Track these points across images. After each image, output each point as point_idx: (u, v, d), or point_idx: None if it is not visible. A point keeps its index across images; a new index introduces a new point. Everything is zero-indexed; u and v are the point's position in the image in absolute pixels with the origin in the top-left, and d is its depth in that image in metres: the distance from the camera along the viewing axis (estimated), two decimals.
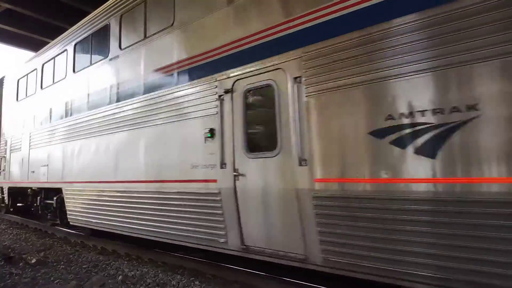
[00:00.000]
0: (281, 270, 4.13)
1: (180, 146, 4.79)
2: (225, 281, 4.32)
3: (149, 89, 5.37)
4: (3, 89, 11.01)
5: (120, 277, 4.59)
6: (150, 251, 5.69)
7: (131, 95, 5.68)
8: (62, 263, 5.49)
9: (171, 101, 4.94)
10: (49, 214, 8.28)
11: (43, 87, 8.60)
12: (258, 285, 4.10)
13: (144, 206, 5.28)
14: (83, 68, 7.06)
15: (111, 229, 6.01)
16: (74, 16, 12.23)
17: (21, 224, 9.82)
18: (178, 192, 4.74)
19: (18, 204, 10.07)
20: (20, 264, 5.36)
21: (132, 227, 5.50)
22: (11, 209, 10.32)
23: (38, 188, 8.46)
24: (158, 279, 4.49)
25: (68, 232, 7.74)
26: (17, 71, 10.31)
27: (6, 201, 9.97)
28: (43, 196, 8.34)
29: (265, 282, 4.09)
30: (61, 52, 7.94)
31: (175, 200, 4.78)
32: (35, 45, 15.47)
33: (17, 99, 9.97)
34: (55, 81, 8.08)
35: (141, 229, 5.34)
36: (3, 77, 11.23)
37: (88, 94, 6.76)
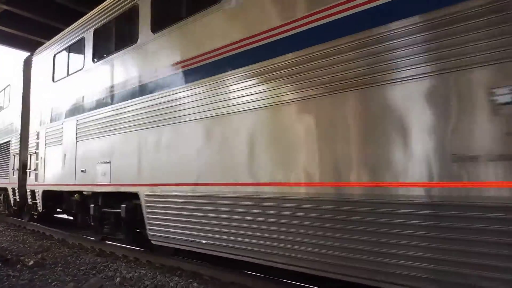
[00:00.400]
0: (279, 272, 4.14)
1: (421, 120, 2.69)
2: (223, 283, 4.33)
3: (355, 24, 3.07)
4: (32, 70, 8.92)
5: (118, 279, 4.60)
6: (148, 253, 5.69)
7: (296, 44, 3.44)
8: (59, 265, 5.48)
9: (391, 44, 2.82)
10: (106, 227, 6.12)
11: (96, 60, 6.43)
12: (256, 286, 4.11)
13: (319, 224, 3.16)
14: (173, 25, 4.86)
15: (248, 257, 3.76)
16: (71, 17, 12.20)
17: (18, 226, 9.79)
18: (421, 205, 2.65)
19: (41, 210, 8.10)
20: (18, 266, 5.35)
21: (297, 257, 3.33)
22: (35, 217, 8.55)
23: (91, 192, 6.28)
24: (156, 281, 4.50)
25: (66, 234, 7.73)
26: (52, 45, 8.05)
27: (40, 208, 7.83)
28: (100, 203, 6.12)
29: (262, 283, 4.10)
30: (127, 11, 5.76)
31: (409, 217, 2.68)
32: (33, 46, 15.41)
33: (53, 80, 7.77)
34: (117, 50, 5.90)
35: (324, 262, 3.14)
36: (31, 55, 9.22)
37: (184, 62, 4.64)
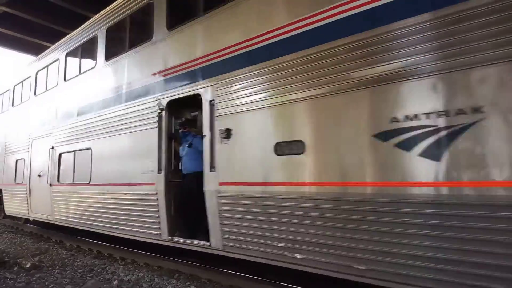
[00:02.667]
0: (277, 274, 4.14)
1: None
2: (221, 286, 4.32)
3: None
4: None
5: (115, 282, 4.58)
6: (146, 255, 5.67)
7: None
8: (57, 267, 5.46)
9: None
10: None
11: None
12: None
13: None
14: None
15: None
16: (72, 20, 12.27)
17: (16, 228, 9.76)
18: None
19: None
20: (15, 269, 5.33)
21: None
22: None
23: None
24: (154, 284, 4.48)
25: (63, 236, 7.70)
26: None
27: None
28: None
29: (260, 286, 4.09)
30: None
31: None
32: (34, 49, 15.48)
33: None
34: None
35: None
36: None
37: None
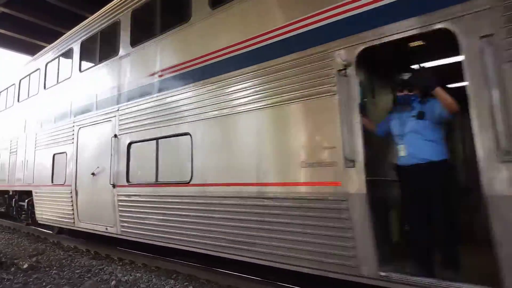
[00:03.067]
0: (276, 275, 4.13)
1: None
2: (219, 286, 4.31)
3: None
4: None
5: (113, 282, 4.56)
6: (144, 256, 5.65)
7: None
8: (54, 268, 5.43)
9: None
10: None
11: None
12: None
13: None
14: None
15: None
16: (70, 20, 12.26)
17: (13, 228, 9.71)
18: None
19: None
20: (12, 269, 5.30)
21: None
22: None
23: None
24: (152, 284, 4.47)
25: (60, 237, 7.66)
26: None
27: None
28: None
29: (260, 286, 4.08)
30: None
31: None
32: (31, 49, 15.45)
33: None
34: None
35: None
36: None
37: None
